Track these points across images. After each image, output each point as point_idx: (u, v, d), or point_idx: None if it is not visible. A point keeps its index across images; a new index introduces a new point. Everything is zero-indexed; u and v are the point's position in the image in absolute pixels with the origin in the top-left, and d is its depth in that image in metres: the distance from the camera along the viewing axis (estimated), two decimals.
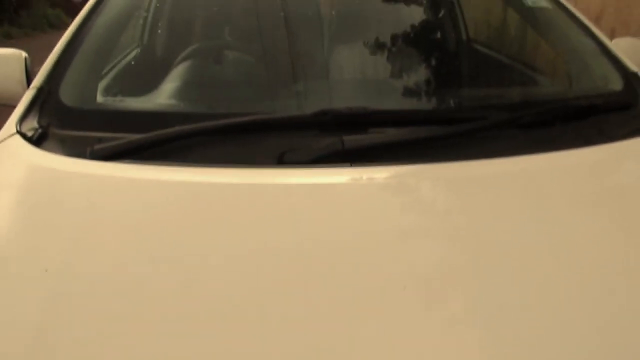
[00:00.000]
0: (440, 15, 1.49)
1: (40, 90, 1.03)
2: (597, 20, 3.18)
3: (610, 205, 0.81)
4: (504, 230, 0.73)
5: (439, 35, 1.37)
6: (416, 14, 1.37)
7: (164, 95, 1.12)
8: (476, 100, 1.16)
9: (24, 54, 1.24)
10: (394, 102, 1.10)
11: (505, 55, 1.51)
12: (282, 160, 0.84)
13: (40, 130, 0.93)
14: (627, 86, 1.13)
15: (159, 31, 1.49)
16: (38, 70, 1.09)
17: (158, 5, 1.47)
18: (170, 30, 1.43)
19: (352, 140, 0.84)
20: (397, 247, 0.70)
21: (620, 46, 1.39)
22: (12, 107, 1.19)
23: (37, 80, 1.06)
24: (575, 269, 0.68)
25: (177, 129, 0.87)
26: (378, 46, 1.25)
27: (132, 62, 1.30)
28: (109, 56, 1.18)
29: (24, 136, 0.92)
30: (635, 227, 0.76)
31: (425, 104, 1.12)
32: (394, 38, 1.26)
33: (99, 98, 1.08)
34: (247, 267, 0.66)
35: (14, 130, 0.93)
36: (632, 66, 1.18)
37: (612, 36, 3.12)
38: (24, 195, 0.83)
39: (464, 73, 1.27)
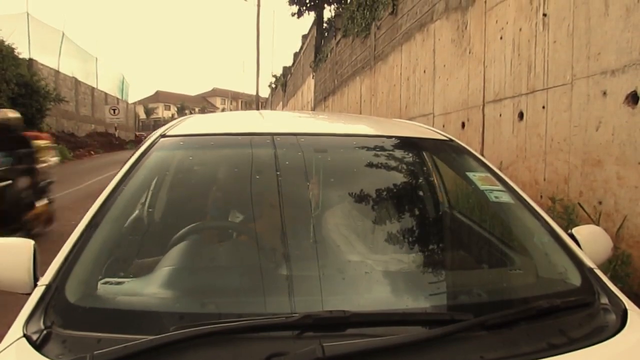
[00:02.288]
0: (419, 214, 1.66)
1: (48, 288, 1.11)
2: (565, 183, 3.42)
3: None
4: None
5: (419, 234, 1.51)
6: (405, 219, 1.53)
7: (159, 284, 1.23)
8: (449, 300, 1.26)
9: (32, 242, 1.33)
10: (377, 301, 1.20)
11: (476, 249, 1.65)
12: None
13: (44, 332, 0.99)
14: (584, 283, 1.24)
15: (157, 219, 1.65)
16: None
17: (156, 198, 1.65)
18: (166, 217, 1.59)
19: (331, 347, 0.92)
20: None
21: (581, 234, 1.52)
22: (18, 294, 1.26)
23: (46, 278, 1.14)
24: None
25: (168, 335, 0.94)
26: (364, 251, 1.38)
27: (136, 258, 1.41)
28: (113, 251, 1.29)
29: (29, 339, 0.98)
30: None
31: (400, 303, 1.22)
32: (376, 234, 1.40)
33: (100, 290, 1.17)
34: None
35: (21, 334, 0.99)
36: (589, 262, 1.31)
37: (579, 198, 3.35)
38: None
39: (446, 273, 1.38)
